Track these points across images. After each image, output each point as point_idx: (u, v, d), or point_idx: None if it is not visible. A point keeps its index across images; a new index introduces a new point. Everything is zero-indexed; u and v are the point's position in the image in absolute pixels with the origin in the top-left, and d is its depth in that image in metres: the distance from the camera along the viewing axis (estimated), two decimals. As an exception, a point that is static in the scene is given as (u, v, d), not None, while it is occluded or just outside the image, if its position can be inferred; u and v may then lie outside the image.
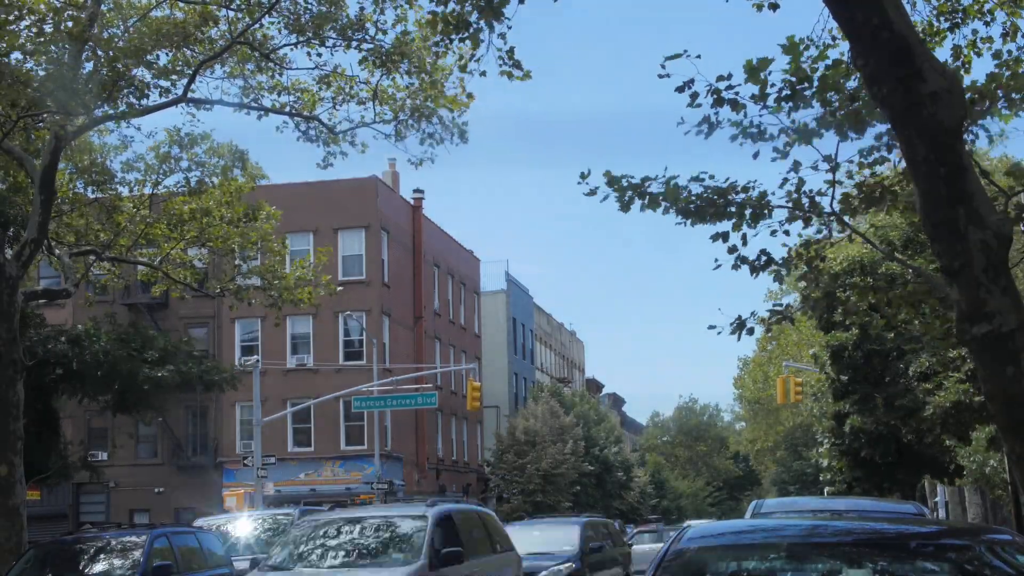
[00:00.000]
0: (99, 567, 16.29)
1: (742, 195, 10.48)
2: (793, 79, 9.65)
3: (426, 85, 20.51)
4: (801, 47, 9.79)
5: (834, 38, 11.27)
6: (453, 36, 11.27)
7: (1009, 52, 11.65)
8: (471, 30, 11.06)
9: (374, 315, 51.26)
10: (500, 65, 14.21)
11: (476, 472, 65.56)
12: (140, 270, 28.93)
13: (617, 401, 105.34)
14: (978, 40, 11.95)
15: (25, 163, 22.16)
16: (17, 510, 20.00)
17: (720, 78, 9.68)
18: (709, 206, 10.35)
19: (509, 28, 12.00)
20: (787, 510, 10.86)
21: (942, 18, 11.91)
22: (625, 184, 10.29)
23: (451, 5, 10.94)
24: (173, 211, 27.55)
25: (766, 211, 10.62)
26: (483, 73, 14.31)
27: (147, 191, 28.48)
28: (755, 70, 9.43)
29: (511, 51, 14.26)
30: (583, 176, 10.42)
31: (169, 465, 52.51)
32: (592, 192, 10.39)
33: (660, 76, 9.58)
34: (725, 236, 10.66)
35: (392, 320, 53.82)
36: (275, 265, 27.56)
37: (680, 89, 9.66)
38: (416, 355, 55.15)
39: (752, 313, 11.43)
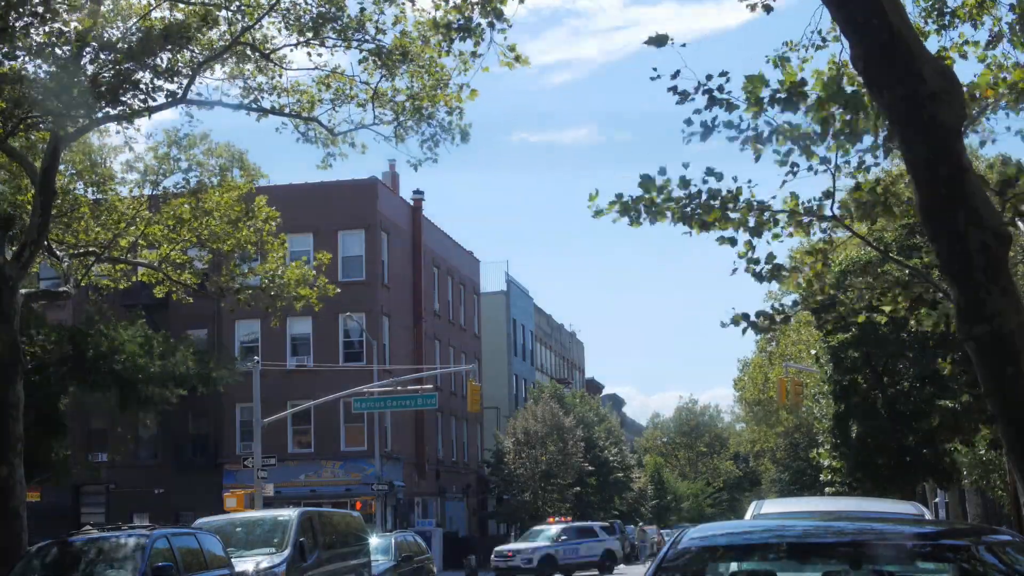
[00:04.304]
0: (100, 568, 16.28)
1: (743, 198, 10.46)
2: (787, 90, 9.63)
3: (427, 85, 20.48)
4: (792, 50, 9.80)
5: (824, 40, 11.27)
6: (455, 38, 11.30)
7: (994, 57, 11.65)
8: (471, 30, 11.08)
9: (374, 316, 51.24)
10: (502, 58, 14.33)
11: (476, 473, 65.53)
12: (140, 271, 28.95)
13: (617, 402, 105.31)
14: (965, 44, 11.93)
15: (25, 164, 22.18)
16: (17, 511, 20.00)
17: (710, 77, 9.64)
18: (708, 212, 10.32)
19: (510, 27, 12.05)
20: (787, 511, 10.86)
21: (930, 20, 11.90)
22: (629, 200, 10.22)
23: (451, 3, 10.96)
24: (172, 211, 27.59)
25: (771, 220, 10.59)
26: (486, 68, 14.39)
27: (146, 192, 28.53)
28: (752, 91, 9.42)
29: (512, 47, 14.39)
30: (591, 198, 10.31)
31: (169, 466, 52.48)
32: (599, 214, 10.27)
33: (652, 79, 9.55)
34: (732, 241, 10.64)
35: (392, 321, 53.80)
36: (275, 265, 27.54)
37: (672, 89, 9.61)
38: (416, 356, 55.13)
39: (758, 313, 11.39)
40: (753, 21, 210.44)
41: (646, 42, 9.23)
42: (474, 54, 12.52)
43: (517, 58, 14.65)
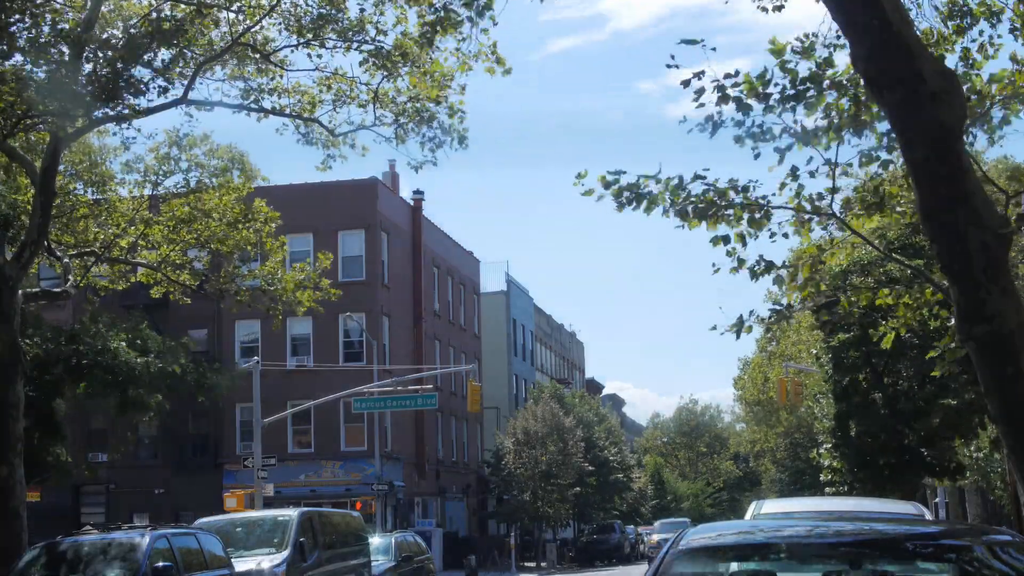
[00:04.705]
0: (100, 568, 16.27)
1: (741, 196, 10.44)
2: (793, 83, 9.63)
3: (426, 86, 20.46)
4: (799, 47, 9.80)
5: (839, 36, 11.22)
6: (439, 27, 11.31)
7: (1013, 53, 11.58)
8: (454, 20, 11.07)
9: (374, 316, 51.25)
10: (484, 61, 14.35)
11: (476, 473, 65.54)
12: (140, 271, 28.96)
13: (617, 402, 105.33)
14: (987, 42, 11.85)
15: (25, 164, 22.19)
16: (17, 511, 20.01)
17: (727, 75, 9.61)
18: (708, 207, 10.30)
19: (495, 24, 12.04)
20: (787, 511, 10.86)
21: (949, 23, 11.83)
22: (621, 185, 10.20)
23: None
24: (172, 212, 27.60)
25: (767, 217, 10.57)
26: (469, 67, 14.39)
27: (147, 192, 28.55)
28: (753, 85, 9.43)
29: (494, 45, 14.43)
30: (579, 176, 10.33)
31: (169, 466, 52.50)
32: (588, 192, 10.30)
33: (668, 66, 9.50)
34: (726, 239, 10.62)
35: (392, 321, 53.81)
36: (275, 267, 27.56)
37: (686, 83, 9.57)
38: (416, 356, 55.13)
39: (752, 312, 11.39)
40: (762, 21, 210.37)
41: (679, 43, 9.26)
42: (458, 50, 12.60)
43: (498, 61, 14.70)
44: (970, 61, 11.29)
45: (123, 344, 32.63)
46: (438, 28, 11.84)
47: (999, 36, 11.73)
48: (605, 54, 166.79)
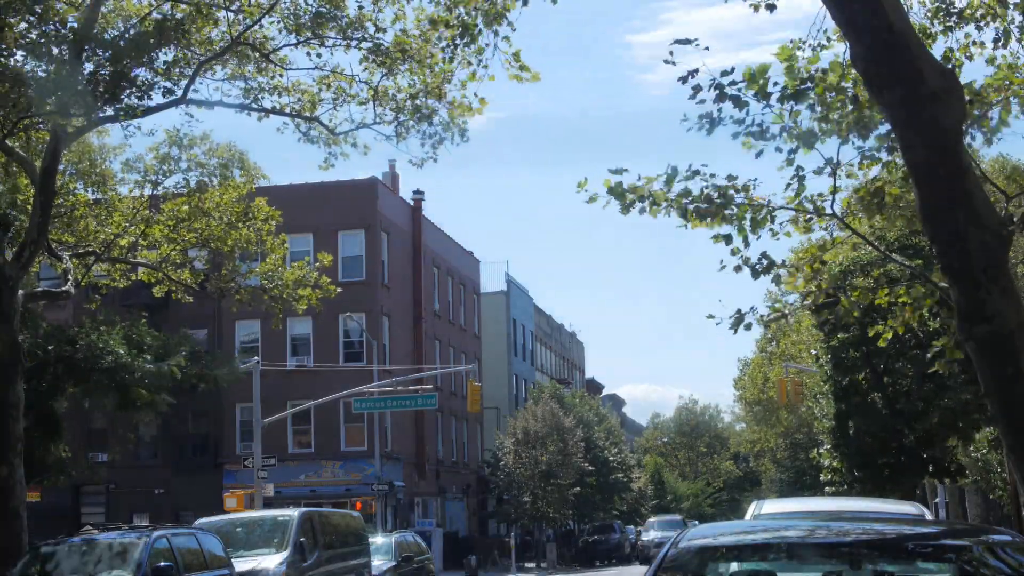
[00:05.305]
0: (100, 568, 16.27)
1: (742, 195, 10.43)
2: (789, 87, 9.62)
3: (428, 84, 20.42)
4: (795, 49, 9.81)
5: (828, 39, 11.24)
6: (458, 41, 11.28)
7: (1004, 57, 11.62)
8: (475, 32, 11.06)
9: (374, 316, 51.24)
10: (507, 68, 14.27)
11: (476, 473, 65.54)
12: (140, 271, 28.96)
13: (617, 402, 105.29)
14: (970, 44, 11.88)
15: (25, 164, 22.19)
16: (17, 511, 20.00)
17: (724, 73, 9.62)
18: (709, 206, 10.29)
19: (513, 31, 12.01)
20: (787, 511, 10.86)
21: (936, 21, 11.85)
22: (625, 187, 10.19)
23: (455, 10, 10.94)
24: (173, 211, 27.61)
25: (769, 216, 10.57)
26: (492, 77, 14.31)
27: (147, 192, 28.54)
28: (755, 78, 9.43)
29: (517, 54, 14.33)
30: (580, 185, 10.32)
31: (169, 466, 52.50)
32: (592, 199, 10.28)
33: (666, 61, 9.50)
34: (728, 239, 10.61)
35: (392, 321, 53.81)
36: (276, 265, 27.57)
37: (683, 80, 9.57)
38: (416, 356, 55.13)
39: (752, 308, 11.36)
40: (757, 22, 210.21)
41: (671, 47, 9.24)
42: (479, 62, 12.55)
43: (523, 68, 14.55)
44: (952, 63, 11.29)
45: (119, 341, 32.60)
46: (458, 42, 11.83)
47: (981, 43, 11.75)
48: (605, 64, 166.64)
